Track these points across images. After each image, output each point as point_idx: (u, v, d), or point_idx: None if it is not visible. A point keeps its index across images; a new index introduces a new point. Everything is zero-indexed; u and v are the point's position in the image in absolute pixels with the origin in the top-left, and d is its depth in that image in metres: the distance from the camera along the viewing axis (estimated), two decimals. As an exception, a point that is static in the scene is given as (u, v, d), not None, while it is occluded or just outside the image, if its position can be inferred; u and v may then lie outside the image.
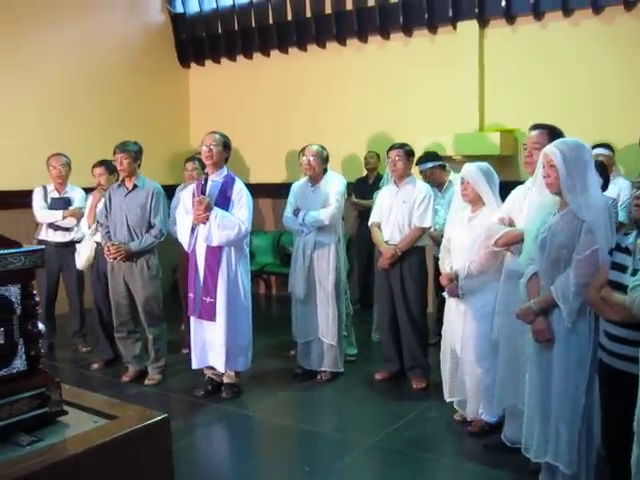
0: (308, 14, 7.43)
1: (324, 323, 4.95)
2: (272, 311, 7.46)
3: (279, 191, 7.08)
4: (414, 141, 5.37)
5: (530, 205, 3.20)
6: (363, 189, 6.80)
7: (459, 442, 3.95)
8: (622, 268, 2.58)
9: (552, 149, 2.93)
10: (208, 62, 8.41)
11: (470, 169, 3.94)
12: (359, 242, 6.96)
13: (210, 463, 3.73)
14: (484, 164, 4.06)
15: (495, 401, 3.77)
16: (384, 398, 4.67)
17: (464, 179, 3.96)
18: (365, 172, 7.00)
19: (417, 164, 5.58)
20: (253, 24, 7.81)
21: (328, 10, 7.31)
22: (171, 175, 7.60)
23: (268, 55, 7.92)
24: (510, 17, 6.36)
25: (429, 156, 5.73)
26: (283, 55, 7.81)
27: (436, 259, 5.09)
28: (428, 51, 6.90)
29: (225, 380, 4.68)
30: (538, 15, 6.22)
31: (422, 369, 4.90)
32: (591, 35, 6.03)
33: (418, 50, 6.96)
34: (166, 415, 2.02)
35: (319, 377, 4.98)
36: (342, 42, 7.37)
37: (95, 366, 5.33)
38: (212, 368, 4.64)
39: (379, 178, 6.71)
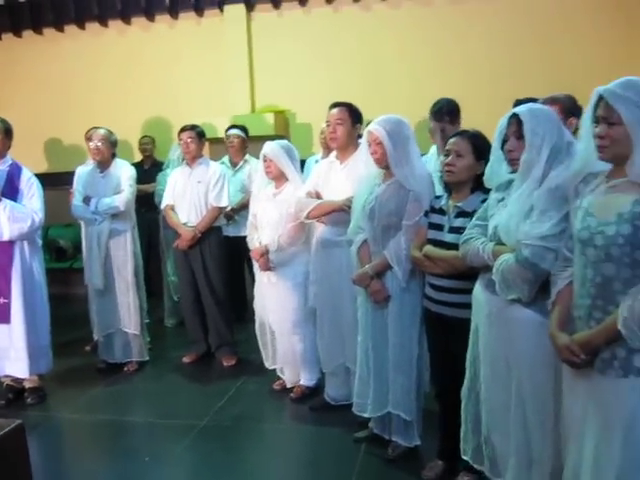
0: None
1: (126, 313, 4.80)
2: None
3: (41, 182, 6.62)
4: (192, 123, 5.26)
5: (360, 177, 3.38)
6: (139, 174, 6.61)
7: (285, 409, 4.11)
8: (439, 227, 2.89)
9: (377, 127, 3.14)
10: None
11: (272, 147, 4.08)
12: (138, 229, 6.76)
13: (39, 477, 3.45)
14: (284, 141, 4.24)
15: (322, 364, 3.98)
16: (199, 380, 4.67)
17: (267, 156, 4.08)
18: (140, 157, 6.80)
19: (226, 131, 5.73)
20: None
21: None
22: None
23: (20, 36, 7.30)
24: (276, 2, 6.59)
25: (239, 125, 5.80)
26: (38, 36, 7.25)
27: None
28: (195, 34, 6.88)
29: (27, 385, 4.33)
30: (302, 1, 6.53)
31: (230, 346, 4.99)
32: (351, 21, 6.50)
33: (185, 32, 6.91)
34: (20, 422, 1.92)
35: (126, 369, 4.83)
36: (104, 23, 7.05)
37: None
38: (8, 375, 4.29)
39: (155, 163, 6.60)
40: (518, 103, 3.83)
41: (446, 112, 4.05)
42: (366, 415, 3.39)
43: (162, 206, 5.05)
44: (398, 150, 3.11)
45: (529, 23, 6.04)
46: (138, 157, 6.79)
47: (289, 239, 4.01)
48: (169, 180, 5.06)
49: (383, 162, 3.16)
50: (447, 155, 2.83)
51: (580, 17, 5.95)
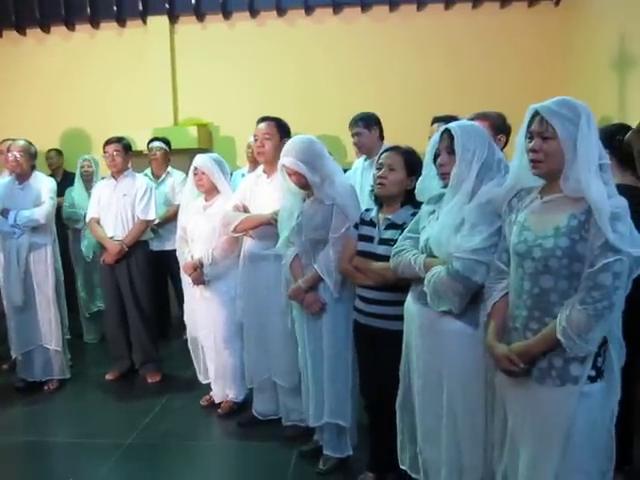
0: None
1: (47, 329, 4.64)
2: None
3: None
4: (111, 135, 4.96)
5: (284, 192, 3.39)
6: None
7: (213, 425, 4.07)
8: (369, 239, 2.92)
9: (290, 161, 3.16)
10: None
11: (204, 159, 4.06)
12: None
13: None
14: (215, 154, 4.23)
15: (247, 379, 3.95)
16: (123, 397, 4.55)
17: (199, 169, 4.05)
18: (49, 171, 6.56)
19: (149, 143, 5.70)
20: None
21: (4, -4, 6.75)
22: None
23: None
24: (200, 15, 6.56)
25: (161, 138, 5.76)
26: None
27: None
28: (117, 44, 6.74)
29: (-60, 406, 4.14)
30: (226, 14, 6.53)
31: (155, 362, 4.90)
32: (275, 35, 6.53)
33: (106, 43, 6.76)
34: None
35: (47, 387, 4.66)
36: (22, 32, 6.84)
37: None
38: None
39: (67, 175, 6.43)
40: (436, 120, 3.96)
41: (359, 118, 4.20)
42: (309, 424, 3.41)
43: (87, 219, 4.92)
44: (317, 173, 3.16)
45: (465, 41, 6.22)
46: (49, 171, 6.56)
47: (223, 252, 3.98)
48: (93, 193, 4.96)
49: (306, 187, 3.22)
50: (379, 169, 2.89)
51: (516, 38, 6.17)
